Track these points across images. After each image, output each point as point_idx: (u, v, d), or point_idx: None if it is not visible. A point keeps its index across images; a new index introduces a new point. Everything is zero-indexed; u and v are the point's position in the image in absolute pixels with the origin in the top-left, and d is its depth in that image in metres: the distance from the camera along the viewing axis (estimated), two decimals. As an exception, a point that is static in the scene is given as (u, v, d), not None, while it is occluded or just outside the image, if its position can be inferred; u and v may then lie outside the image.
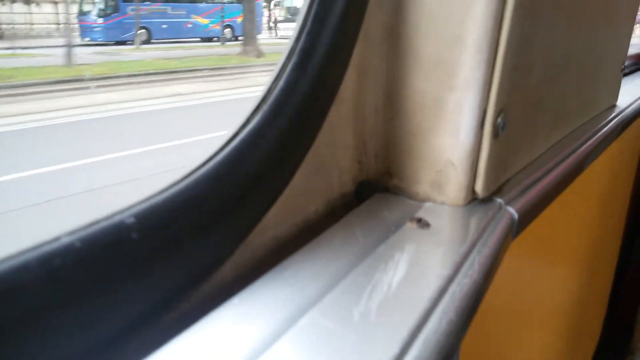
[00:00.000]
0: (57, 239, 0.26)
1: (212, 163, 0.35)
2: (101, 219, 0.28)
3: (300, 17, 0.43)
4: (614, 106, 1.05)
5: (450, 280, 0.37)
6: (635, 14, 1.14)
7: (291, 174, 0.43)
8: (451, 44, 0.47)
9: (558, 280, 0.97)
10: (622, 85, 1.10)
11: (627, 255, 1.66)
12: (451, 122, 0.48)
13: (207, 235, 0.34)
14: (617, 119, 0.95)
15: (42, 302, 0.24)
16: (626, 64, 1.13)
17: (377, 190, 0.53)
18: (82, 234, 0.26)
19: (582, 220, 1.04)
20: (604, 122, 0.90)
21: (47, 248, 0.25)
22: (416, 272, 0.37)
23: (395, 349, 0.28)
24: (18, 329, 0.23)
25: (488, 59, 0.46)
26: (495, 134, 0.49)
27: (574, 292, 1.15)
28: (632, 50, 1.22)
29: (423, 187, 0.51)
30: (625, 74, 1.51)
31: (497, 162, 0.52)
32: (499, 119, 0.50)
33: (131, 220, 0.29)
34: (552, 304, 0.97)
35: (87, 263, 0.26)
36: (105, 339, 0.27)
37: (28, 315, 0.23)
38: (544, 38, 0.58)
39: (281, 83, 0.40)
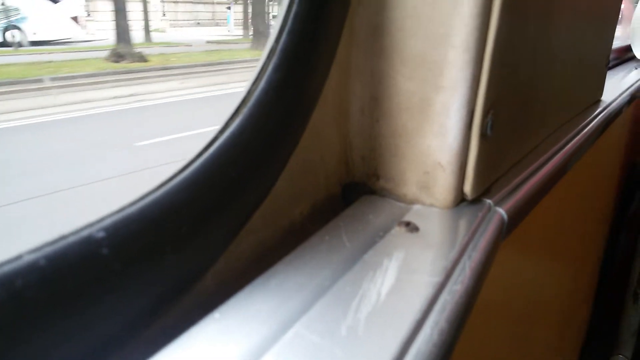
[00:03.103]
0: (18, 257, 0.24)
1: (190, 170, 0.33)
2: (68, 234, 0.26)
3: (280, 16, 0.41)
4: (599, 101, 1.05)
5: (441, 287, 0.35)
6: (619, 10, 1.14)
7: (275, 177, 0.41)
8: (438, 43, 0.45)
9: (547, 277, 0.97)
10: (605, 79, 1.10)
11: (612, 250, 1.67)
12: (438, 122, 0.47)
13: (188, 245, 0.32)
14: (602, 114, 0.95)
15: (4, 325, 0.22)
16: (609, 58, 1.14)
17: (364, 192, 0.52)
18: (47, 250, 0.25)
19: (569, 216, 1.04)
20: (590, 117, 0.90)
21: (7, 268, 0.23)
22: (406, 280, 0.36)
23: None
24: None
25: (475, 58, 0.45)
26: (484, 134, 0.48)
27: (562, 288, 1.15)
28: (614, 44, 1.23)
29: (411, 189, 0.50)
30: (608, 69, 1.52)
31: (486, 163, 0.50)
32: (487, 119, 0.48)
33: (101, 234, 0.27)
34: (542, 301, 0.97)
35: (53, 282, 0.24)
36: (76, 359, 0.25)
37: None
38: (530, 36, 0.57)
39: (262, 84, 0.38)
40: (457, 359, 0.46)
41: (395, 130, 0.49)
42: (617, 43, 1.53)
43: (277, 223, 0.43)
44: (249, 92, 0.38)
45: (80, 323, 0.26)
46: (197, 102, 8.63)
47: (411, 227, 0.44)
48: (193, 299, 0.34)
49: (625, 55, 1.80)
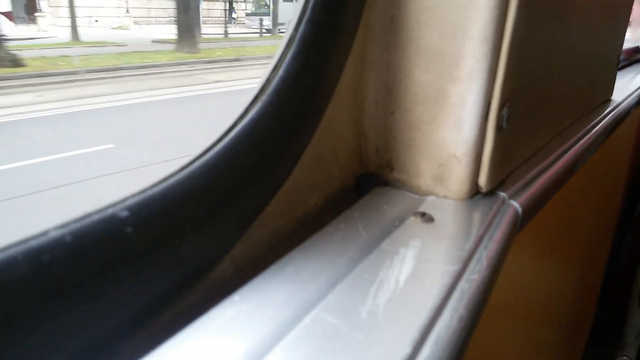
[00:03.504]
0: (45, 233, 0.24)
1: (210, 154, 0.33)
2: (93, 212, 0.26)
3: (299, 5, 0.41)
4: (609, 100, 1.05)
5: (458, 276, 0.35)
6: (631, 11, 1.14)
7: (291, 167, 0.41)
8: (454, 35, 0.45)
9: (555, 276, 0.96)
10: (616, 79, 1.10)
11: (617, 251, 1.67)
12: (454, 114, 0.47)
13: (206, 229, 0.32)
14: (613, 112, 0.95)
15: (30, 300, 0.22)
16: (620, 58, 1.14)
17: (378, 184, 0.52)
18: (73, 227, 0.25)
19: (577, 216, 1.04)
20: (601, 115, 0.90)
21: (34, 243, 0.23)
22: (423, 268, 0.36)
23: (407, 348, 0.27)
24: (8, 328, 0.21)
25: (493, 50, 0.45)
26: (500, 127, 0.48)
27: (569, 287, 1.15)
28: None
29: (425, 180, 0.50)
30: (618, 69, 1.51)
31: (501, 155, 0.50)
32: (503, 112, 0.48)
33: (125, 213, 0.27)
34: (550, 299, 0.97)
35: (78, 258, 0.24)
36: (98, 338, 0.25)
37: (14, 314, 0.21)
38: (546, 31, 0.57)
39: (280, 72, 0.39)
40: (472, 350, 0.46)
41: (410, 122, 0.49)
42: (627, 45, 1.53)
43: (292, 212, 0.43)
44: (268, 80, 0.38)
45: (102, 301, 0.26)
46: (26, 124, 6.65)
47: (426, 218, 0.44)
48: (211, 282, 0.34)
49: (635, 57, 1.80)
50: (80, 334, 0.25)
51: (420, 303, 0.31)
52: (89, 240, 0.25)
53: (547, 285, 0.91)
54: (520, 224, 0.50)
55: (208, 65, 12.16)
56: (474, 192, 0.49)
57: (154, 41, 16.57)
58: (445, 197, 0.49)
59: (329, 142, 0.47)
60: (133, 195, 0.28)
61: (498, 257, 0.41)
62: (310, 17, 0.40)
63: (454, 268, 0.36)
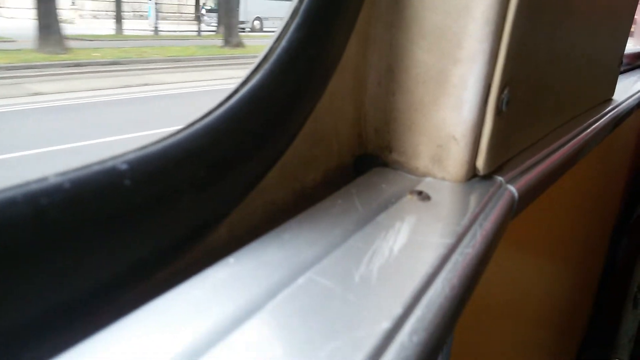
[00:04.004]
0: (44, 178, 0.24)
1: (210, 118, 0.33)
2: (93, 163, 0.26)
3: None
4: (610, 100, 1.05)
5: (452, 249, 0.36)
6: (634, 11, 1.14)
7: (290, 140, 0.42)
8: (457, 15, 0.46)
9: (551, 266, 0.97)
10: (618, 81, 1.10)
11: (614, 253, 1.67)
12: (454, 95, 0.47)
13: (204, 192, 0.32)
14: (614, 111, 0.95)
15: (28, 239, 0.22)
16: (622, 62, 1.14)
17: (376, 164, 0.52)
18: (72, 175, 0.25)
19: (574, 212, 1.04)
20: (602, 113, 0.90)
21: (34, 186, 0.23)
22: (418, 240, 0.36)
23: (398, 310, 0.27)
24: (3, 267, 0.21)
25: (495, 31, 0.45)
26: (499, 110, 0.48)
27: (563, 288, 1.16)
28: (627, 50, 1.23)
29: (423, 162, 0.50)
30: (621, 72, 1.52)
31: (500, 140, 0.51)
32: (503, 95, 0.49)
33: (124, 166, 0.27)
34: (544, 295, 0.97)
35: (76, 205, 0.24)
36: (93, 287, 0.26)
37: (12, 252, 0.22)
38: (548, 21, 0.57)
39: (283, 43, 0.39)
40: (458, 330, 0.46)
41: (411, 103, 0.50)
42: (630, 49, 1.53)
43: (289, 185, 0.44)
44: (271, 49, 0.38)
45: (98, 251, 0.26)
46: None
47: (423, 196, 0.44)
48: (207, 246, 0.34)
49: (638, 62, 1.80)
50: (75, 281, 0.25)
51: (413, 270, 0.32)
52: (87, 188, 0.25)
53: (540, 281, 0.91)
54: (516, 208, 0.51)
55: (61, 71, 9.34)
56: (472, 175, 0.50)
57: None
58: (442, 178, 0.49)
59: (330, 118, 0.47)
60: (133, 151, 0.28)
61: (493, 237, 0.41)
62: None
63: (448, 241, 0.36)
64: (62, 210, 0.24)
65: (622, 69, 1.19)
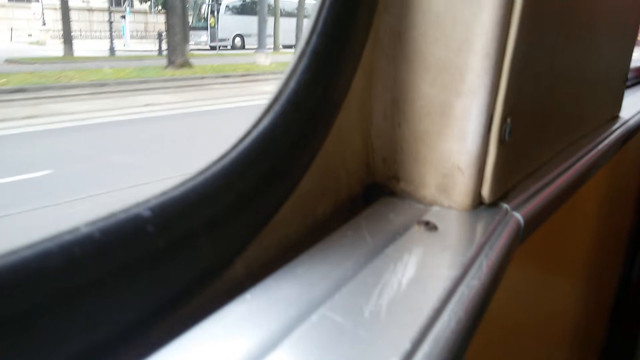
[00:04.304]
0: (76, 229, 0.26)
1: (225, 160, 0.36)
2: (118, 211, 0.28)
3: (311, 20, 0.43)
4: (616, 117, 1.06)
5: (458, 281, 0.37)
6: (638, 27, 1.15)
7: (301, 175, 0.43)
8: (459, 49, 0.47)
9: (562, 288, 0.97)
10: (624, 97, 1.11)
11: (630, 267, 1.65)
12: (458, 127, 0.49)
13: (220, 232, 0.34)
14: (620, 129, 0.96)
15: (63, 289, 0.24)
16: (628, 76, 1.15)
17: (384, 193, 0.54)
18: (101, 225, 0.27)
19: (586, 230, 1.04)
20: (608, 132, 0.91)
21: (67, 237, 0.25)
22: (425, 273, 0.38)
23: (406, 345, 0.29)
24: (40, 315, 0.23)
25: (496, 64, 0.47)
26: (502, 139, 0.50)
27: (577, 302, 1.15)
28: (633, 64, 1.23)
29: (430, 191, 0.52)
30: (627, 87, 1.52)
31: (504, 168, 0.52)
32: (506, 125, 0.50)
33: (148, 213, 0.29)
34: (556, 313, 0.97)
35: (105, 253, 0.26)
36: (120, 329, 0.28)
37: (51, 301, 0.24)
38: (549, 47, 0.59)
39: (292, 84, 0.41)
40: (469, 358, 0.47)
41: (416, 134, 0.51)
42: (637, 58, 1.54)
43: (301, 219, 0.45)
44: (280, 91, 0.40)
45: (125, 295, 0.28)
46: None
47: (430, 226, 0.45)
48: (224, 282, 0.36)
49: (644, 75, 1.80)
50: (104, 324, 0.27)
51: (421, 304, 0.33)
52: (115, 236, 0.27)
53: (552, 303, 0.91)
54: (522, 235, 0.52)
55: None
56: (477, 203, 0.51)
57: (8, 60, 13.21)
58: (449, 207, 0.51)
59: (338, 152, 0.49)
60: (155, 197, 0.30)
61: (498, 266, 0.43)
62: (321, 31, 0.43)
63: (454, 273, 0.37)
64: (93, 259, 0.26)
65: (628, 83, 1.20)
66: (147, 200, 0.30)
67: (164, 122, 7.76)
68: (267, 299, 0.33)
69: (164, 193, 0.31)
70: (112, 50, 17.09)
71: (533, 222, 0.55)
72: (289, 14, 23.62)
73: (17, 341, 0.23)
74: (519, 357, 0.78)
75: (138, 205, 0.29)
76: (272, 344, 0.29)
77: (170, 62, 13.18)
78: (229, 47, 22.18)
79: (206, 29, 21.89)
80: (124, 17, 23.42)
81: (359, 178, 0.53)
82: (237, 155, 0.36)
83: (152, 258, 0.29)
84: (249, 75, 13.25)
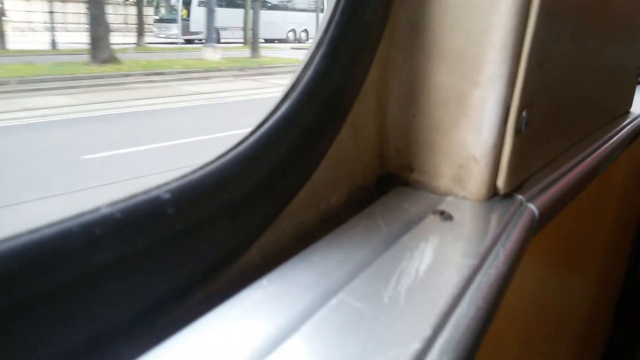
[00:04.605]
0: (97, 209, 0.26)
1: (243, 146, 0.35)
2: (138, 192, 0.28)
3: (329, 9, 0.43)
4: (628, 112, 1.05)
5: (476, 269, 0.37)
6: None
7: (316, 163, 0.43)
8: (476, 39, 0.47)
9: (572, 281, 0.96)
10: (636, 92, 1.10)
11: (636, 261, 1.65)
12: (474, 117, 0.48)
13: (237, 217, 0.34)
14: (632, 124, 0.95)
15: (83, 269, 0.24)
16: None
17: (398, 184, 0.54)
18: (121, 205, 0.27)
19: (595, 225, 1.04)
20: (620, 127, 0.90)
21: (88, 217, 0.25)
22: (442, 261, 0.37)
23: (427, 331, 0.28)
24: (62, 294, 0.23)
25: (513, 55, 0.46)
26: (518, 130, 0.50)
27: (585, 296, 1.15)
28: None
29: (444, 181, 0.51)
30: (639, 83, 1.51)
31: (519, 159, 0.52)
32: (522, 116, 0.50)
33: (167, 195, 0.29)
34: (565, 305, 0.97)
35: (125, 234, 0.26)
36: (138, 310, 0.27)
37: (72, 280, 0.23)
38: (566, 40, 0.58)
39: (310, 72, 0.41)
40: (483, 353, 0.47)
41: (431, 124, 0.51)
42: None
43: (315, 207, 0.45)
44: (298, 79, 0.40)
45: (144, 275, 0.28)
46: None
47: (445, 216, 0.45)
48: (239, 268, 0.36)
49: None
50: (122, 304, 0.27)
51: (439, 292, 0.33)
52: (135, 217, 0.27)
53: (562, 295, 0.91)
54: (536, 226, 0.51)
55: None
56: (492, 194, 0.51)
57: None
58: (464, 197, 0.50)
59: (353, 141, 0.49)
60: (175, 180, 0.30)
61: (515, 256, 0.42)
62: (339, 21, 0.42)
63: (472, 262, 0.37)
64: (112, 239, 0.26)
65: None
66: (167, 183, 0.30)
67: (33, 130, 6.20)
68: (285, 284, 0.33)
69: (183, 176, 0.31)
70: (53, 43, 14.83)
71: (547, 214, 0.54)
72: (274, 7, 22.31)
73: (40, 318, 0.23)
74: (527, 345, 0.78)
75: (158, 187, 0.29)
76: (292, 328, 0.28)
77: (94, 58, 11.24)
78: (198, 41, 20.18)
79: (177, 21, 20.21)
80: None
81: (373, 168, 0.53)
82: (255, 142, 0.36)
83: (170, 240, 0.29)
84: (187, 72, 11.62)
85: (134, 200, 0.27)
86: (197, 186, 0.31)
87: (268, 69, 13.17)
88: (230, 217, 0.33)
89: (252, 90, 10.12)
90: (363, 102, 0.48)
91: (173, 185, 0.30)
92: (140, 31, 16.80)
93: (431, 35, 0.49)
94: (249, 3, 18.35)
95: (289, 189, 0.40)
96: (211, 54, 13.82)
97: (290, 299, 0.31)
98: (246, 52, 15.77)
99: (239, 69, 12.75)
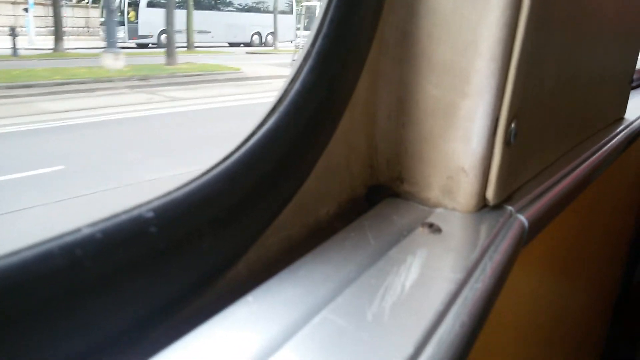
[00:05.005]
0: (78, 230, 0.26)
1: (229, 161, 0.35)
2: (121, 212, 0.28)
3: (316, 21, 0.43)
4: (621, 119, 1.05)
5: (462, 284, 0.37)
6: None
7: (304, 176, 0.43)
8: (464, 51, 0.47)
9: (565, 291, 0.96)
10: (630, 98, 1.10)
11: (632, 269, 1.65)
12: (463, 128, 0.49)
13: (223, 233, 0.34)
14: (625, 131, 0.95)
15: (64, 291, 0.24)
16: (633, 78, 1.14)
17: (388, 195, 0.54)
18: (103, 226, 0.27)
19: (589, 233, 1.04)
20: (612, 134, 0.90)
21: (69, 238, 0.25)
22: (429, 275, 0.37)
23: (409, 349, 0.28)
24: (42, 317, 0.23)
25: (502, 67, 0.46)
26: (507, 141, 0.50)
27: (580, 305, 1.15)
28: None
29: (434, 192, 0.51)
30: (632, 88, 1.51)
31: (509, 170, 0.52)
32: (511, 127, 0.50)
33: (150, 214, 0.29)
34: (558, 315, 0.96)
35: (107, 254, 0.26)
36: (122, 329, 0.27)
37: (53, 302, 0.23)
38: (555, 49, 0.58)
39: (297, 85, 0.41)
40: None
41: (420, 135, 0.51)
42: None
43: (304, 220, 0.45)
44: (285, 92, 0.40)
45: (128, 295, 0.28)
46: None
47: (434, 229, 0.45)
48: (226, 284, 0.36)
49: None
50: (105, 325, 0.27)
51: (424, 308, 0.33)
52: (117, 237, 0.27)
53: (553, 304, 0.91)
54: (526, 237, 0.51)
55: None
56: (482, 205, 0.51)
57: None
58: (453, 209, 0.50)
59: (342, 153, 0.49)
60: (158, 198, 0.30)
61: (502, 269, 0.42)
62: (326, 33, 0.42)
63: (458, 276, 0.37)
64: (94, 260, 0.25)
65: (633, 85, 1.20)
66: (150, 202, 0.30)
67: None
68: (269, 301, 0.33)
69: (167, 194, 0.31)
70: (14, 49, 13.73)
71: (537, 225, 0.54)
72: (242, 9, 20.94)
73: (19, 342, 0.23)
74: (519, 357, 0.78)
75: (140, 206, 0.29)
76: (274, 347, 0.28)
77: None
78: (153, 45, 18.77)
79: (123, 23, 18.31)
80: (26, 9, 19.34)
81: (363, 179, 0.53)
82: (241, 157, 0.36)
83: (154, 259, 0.28)
84: (65, 84, 9.59)
85: (115, 220, 0.27)
86: (181, 203, 0.31)
87: (179, 79, 11.18)
88: (216, 234, 0.33)
89: (132, 107, 8.14)
90: (352, 113, 0.49)
91: (156, 203, 0.30)
92: (58, 36, 15.08)
93: (420, 46, 0.49)
94: (191, 3, 16.69)
95: (277, 203, 0.40)
96: (112, 61, 11.60)
97: (273, 316, 0.31)
98: (156, 58, 13.55)
99: (141, 79, 10.73)
